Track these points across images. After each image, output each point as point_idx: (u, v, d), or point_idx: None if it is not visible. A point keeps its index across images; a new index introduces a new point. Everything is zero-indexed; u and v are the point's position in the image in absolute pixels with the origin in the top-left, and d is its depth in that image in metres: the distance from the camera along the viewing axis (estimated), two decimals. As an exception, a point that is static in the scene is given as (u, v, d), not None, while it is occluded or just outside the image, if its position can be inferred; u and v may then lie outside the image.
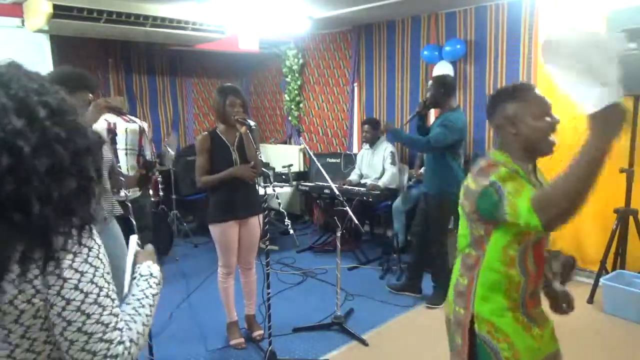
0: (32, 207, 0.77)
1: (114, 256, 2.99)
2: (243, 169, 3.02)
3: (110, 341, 0.88)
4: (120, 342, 0.90)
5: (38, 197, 0.77)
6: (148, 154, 4.49)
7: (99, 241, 0.91)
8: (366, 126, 5.16)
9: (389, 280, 4.40)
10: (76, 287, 0.85)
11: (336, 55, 6.05)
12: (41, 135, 0.77)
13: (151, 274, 1.12)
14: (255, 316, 3.41)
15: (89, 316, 0.86)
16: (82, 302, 0.85)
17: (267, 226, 2.98)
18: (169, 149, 5.19)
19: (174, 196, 5.42)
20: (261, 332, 3.30)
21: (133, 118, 3.40)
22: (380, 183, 4.88)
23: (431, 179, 3.78)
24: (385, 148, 5.06)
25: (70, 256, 0.85)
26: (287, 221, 2.82)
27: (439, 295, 3.86)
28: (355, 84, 5.87)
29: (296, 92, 6.49)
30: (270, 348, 2.92)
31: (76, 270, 0.85)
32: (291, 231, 2.80)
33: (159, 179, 5.03)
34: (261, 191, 2.85)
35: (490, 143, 4.79)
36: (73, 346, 0.85)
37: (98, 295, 0.87)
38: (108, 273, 0.91)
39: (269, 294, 2.90)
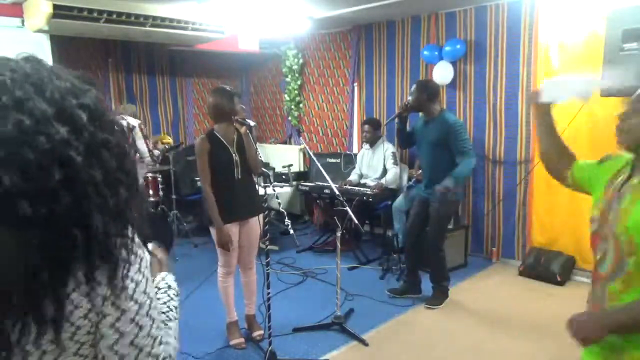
0: (92, 220, 0.70)
1: None
2: (224, 240, 3.03)
3: (157, 356, 0.84)
4: (165, 358, 0.86)
5: (98, 210, 0.70)
6: (144, 151, 4.50)
7: (144, 249, 0.85)
8: (366, 126, 5.17)
9: (388, 280, 4.41)
10: (131, 298, 0.79)
11: (336, 55, 6.05)
12: (88, 141, 0.69)
13: (169, 286, 1.07)
14: (255, 316, 3.41)
15: (141, 328, 0.81)
16: (137, 313, 0.80)
17: (267, 226, 2.98)
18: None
19: (173, 196, 5.42)
20: (261, 332, 3.30)
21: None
22: (384, 181, 4.88)
23: (431, 184, 3.72)
24: (386, 148, 5.06)
25: (127, 266, 0.79)
26: (287, 221, 2.82)
27: (438, 296, 3.86)
28: (355, 84, 5.87)
29: (296, 92, 6.49)
30: (270, 348, 2.92)
31: (131, 280, 0.79)
32: (291, 231, 2.80)
33: (159, 179, 5.03)
34: (261, 191, 2.86)
35: (490, 143, 4.79)
36: None
37: (149, 306, 0.82)
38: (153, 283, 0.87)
39: (269, 294, 2.90)
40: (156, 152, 4.98)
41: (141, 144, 4.68)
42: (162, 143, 5.61)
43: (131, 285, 0.80)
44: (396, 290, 4.05)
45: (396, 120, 3.89)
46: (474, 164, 3.72)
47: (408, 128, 3.99)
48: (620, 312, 1.32)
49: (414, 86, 3.80)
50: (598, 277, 1.46)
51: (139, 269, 0.82)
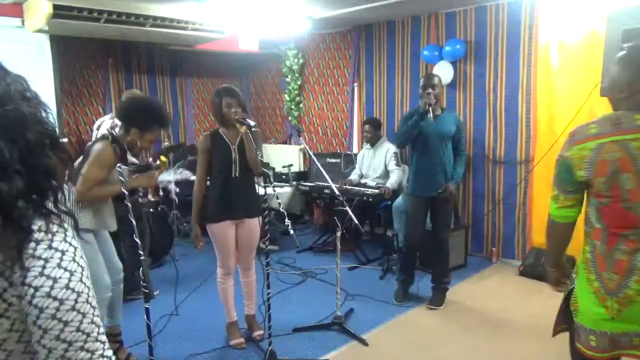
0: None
1: (90, 260, 2.99)
2: (193, 235, 3.14)
3: (93, 352, 0.79)
4: (103, 356, 0.81)
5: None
6: None
7: (75, 243, 0.82)
8: (367, 126, 5.16)
9: (388, 280, 4.40)
10: (48, 295, 0.76)
11: (336, 55, 6.05)
12: None
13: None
14: (255, 316, 3.41)
15: (66, 324, 0.77)
16: (57, 309, 0.76)
17: (267, 226, 2.98)
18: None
19: (174, 196, 5.42)
20: (261, 332, 3.30)
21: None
22: (389, 184, 4.84)
23: (444, 179, 3.69)
24: (388, 149, 5.05)
25: (40, 262, 0.76)
26: (287, 221, 2.81)
27: (440, 295, 3.84)
28: (355, 84, 5.87)
29: (296, 92, 6.49)
30: (270, 348, 2.92)
31: (48, 277, 0.76)
32: (291, 231, 2.79)
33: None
34: (261, 191, 2.85)
35: (490, 143, 4.79)
36: (51, 354, 0.77)
37: (76, 301, 0.78)
38: (88, 277, 0.81)
39: (269, 294, 2.90)
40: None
41: None
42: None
43: (48, 283, 0.76)
44: (402, 297, 3.96)
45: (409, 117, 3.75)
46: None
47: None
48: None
49: (435, 78, 3.64)
50: None
51: (59, 265, 0.78)
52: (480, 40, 4.73)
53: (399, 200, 4.88)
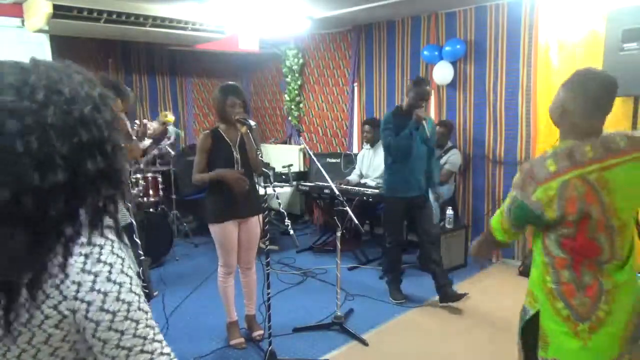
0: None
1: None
2: (235, 178, 2.97)
3: (152, 352, 0.83)
4: (162, 354, 0.85)
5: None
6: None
7: (122, 254, 0.84)
8: (367, 126, 5.16)
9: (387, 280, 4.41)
10: (101, 309, 0.79)
11: (336, 55, 6.05)
12: (34, 116, 0.70)
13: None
14: (255, 316, 3.41)
15: (123, 333, 0.81)
16: (112, 321, 0.80)
17: (267, 226, 2.98)
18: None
19: (174, 196, 5.42)
20: (261, 332, 3.30)
21: None
22: None
23: (423, 180, 3.84)
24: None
25: (91, 277, 0.79)
26: (287, 221, 2.81)
27: (453, 291, 3.83)
28: (355, 84, 5.87)
29: (296, 92, 6.49)
30: (270, 348, 2.92)
31: (99, 292, 0.79)
32: (291, 231, 2.79)
33: (159, 179, 5.02)
34: (261, 191, 2.85)
35: (490, 143, 4.79)
36: None
37: (128, 311, 0.81)
38: (137, 285, 0.84)
39: (269, 294, 2.90)
40: (146, 143, 4.66)
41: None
42: (164, 123, 5.19)
43: (99, 297, 0.79)
44: (400, 297, 3.95)
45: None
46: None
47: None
48: (482, 235, 1.92)
49: (428, 88, 3.70)
50: None
51: (108, 277, 0.80)
52: (480, 40, 4.73)
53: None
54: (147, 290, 2.12)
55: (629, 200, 1.57)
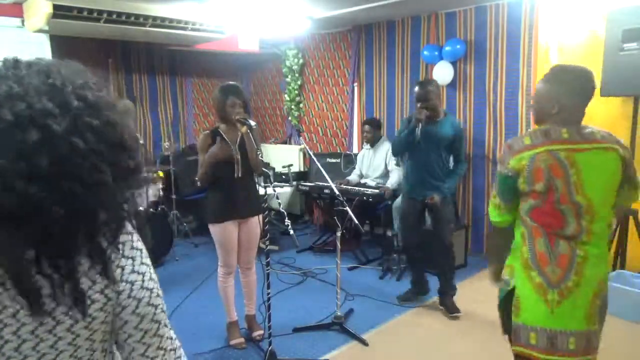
0: (76, 192, 0.74)
1: None
2: (221, 147, 2.98)
3: (167, 325, 0.96)
4: (171, 328, 0.98)
5: (81, 180, 0.75)
6: None
7: (140, 245, 0.94)
8: (367, 126, 5.16)
9: (388, 280, 4.41)
10: (142, 287, 0.90)
11: (336, 55, 6.05)
12: (72, 120, 0.75)
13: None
14: (255, 316, 3.41)
15: (156, 307, 0.93)
16: (150, 297, 0.91)
17: (267, 226, 2.98)
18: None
19: (174, 196, 5.42)
20: (261, 332, 3.30)
21: None
22: (389, 184, 4.84)
23: (432, 185, 3.64)
24: (388, 149, 5.05)
25: (130, 261, 0.89)
26: (287, 221, 2.81)
27: (452, 303, 3.74)
28: (355, 84, 5.87)
29: (296, 92, 6.49)
30: (270, 348, 2.92)
31: (138, 273, 0.90)
32: (291, 231, 2.79)
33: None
34: (261, 191, 2.86)
35: (490, 143, 4.79)
36: (146, 334, 0.92)
37: (158, 289, 0.94)
38: (154, 272, 0.95)
39: (269, 294, 2.90)
40: None
41: None
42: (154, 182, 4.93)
43: (139, 277, 0.90)
44: (406, 296, 3.93)
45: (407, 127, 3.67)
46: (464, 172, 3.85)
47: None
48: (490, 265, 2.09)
49: (428, 87, 3.53)
50: None
51: (142, 262, 0.92)
52: (480, 40, 4.73)
53: (399, 200, 4.88)
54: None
55: (595, 183, 1.72)
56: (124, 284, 0.88)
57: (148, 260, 0.93)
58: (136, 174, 0.86)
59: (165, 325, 0.95)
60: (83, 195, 0.75)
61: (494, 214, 1.89)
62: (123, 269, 0.88)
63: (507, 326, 1.91)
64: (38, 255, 0.76)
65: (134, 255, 0.90)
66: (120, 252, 0.88)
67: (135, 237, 0.92)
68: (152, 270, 0.93)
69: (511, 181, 1.77)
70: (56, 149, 0.73)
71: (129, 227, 0.90)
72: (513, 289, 1.82)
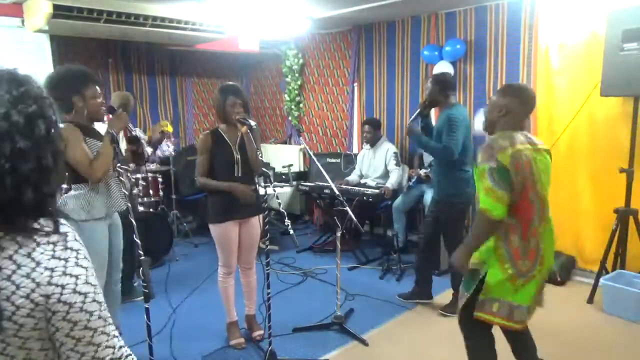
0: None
1: (115, 246, 2.98)
2: (243, 191, 3.01)
3: (108, 334, 0.90)
4: (116, 336, 0.92)
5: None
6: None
7: (81, 242, 0.90)
8: (367, 126, 5.16)
9: (388, 280, 4.41)
10: (74, 291, 0.85)
11: (336, 55, 6.05)
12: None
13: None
14: (255, 316, 3.41)
15: (91, 314, 0.87)
16: (83, 302, 0.86)
17: (267, 226, 2.98)
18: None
19: (174, 196, 5.42)
20: (261, 332, 3.30)
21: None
22: (389, 185, 4.85)
23: (438, 184, 3.64)
24: (388, 149, 5.05)
25: (61, 262, 0.84)
26: (287, 221, 2.81)
27: (455, 303, 3.73)
28: (355, 84, 5.87)
29: (296, 92, 6.49)
30: (270, 348, 2.92)
31: (70, 275, 0.84)
32: (291, 231, 2.78)
33: (159, 179, 5.03)
34: (261, 191, 2.86)
35: (490, 143, 4.78)
36: (80, 343, 0.86)
37: (95, 293, 0.88)
38: (93, 273, 0.90)
39: (269, 294, 2.90)
40: (148, 150, 4.64)
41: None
42: (161, 132, 5.13)
43: (71, 280, 0.85)
44: (406, 294, 3.91)
45: (418, 118, 3.73)
46: (440, 158, 3.58)
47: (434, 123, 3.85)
48: (465, 240, 2.26)
49: (429, 81, 3.67)
50: None
51: (76, 263, 0.87)
52: (480, 40, 4.73)
53: (399, 200, 4.89)
54: (147, 291, 2.12)
55: (544, 178, 2.16)
56: (52, 287, 0.82)
57: (85, 262, 0.88)
58: (54, 172, 0.86)
59: (105, 333, 0.88)
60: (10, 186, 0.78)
61: (498, 206, 2.02)
62: (52, 270, 0.83)
63: (469, 303, 2.24)
64: None
65: (67, 257, 0.85)
66: (50, 252, 0.84)
67: (71, 236, 0.88)
68: (89, 273, 0.87)
69: (507, 173, 2.02)
70: None
71: (63, 226, 0.88)
72: (482, 278, 2.16)
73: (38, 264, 0.82)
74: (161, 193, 5.06)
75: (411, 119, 3.73)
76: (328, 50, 6.13)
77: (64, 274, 0.84)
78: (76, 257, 0.87)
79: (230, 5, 4.49)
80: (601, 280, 3.65)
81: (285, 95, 6.60)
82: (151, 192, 4.92)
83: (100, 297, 0.89)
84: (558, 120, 4.19)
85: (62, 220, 0.89)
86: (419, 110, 3.71)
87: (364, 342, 3.25)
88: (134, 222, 2.16)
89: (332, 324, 3.44)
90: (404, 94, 5.43)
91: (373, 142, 5.15)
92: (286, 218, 2.82)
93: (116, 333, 0.92)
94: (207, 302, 3.86)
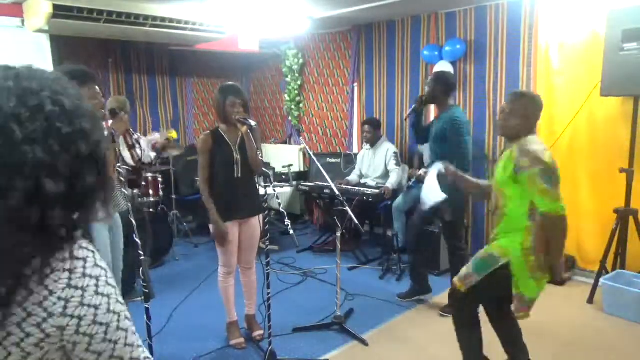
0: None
1: (115, 245, 2.99)
2: (220, 232, 3.03)
3: (138, 357, 0.88)
4: (147, 358, 0.90)
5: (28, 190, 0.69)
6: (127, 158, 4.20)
7: (104, 265, 0.85)
8: (366, 126, 5.16)
9: (388, 280, 4.41)
10: (94, 322, 0.80)
11: (336, 55, 6.05)
12: (41, 127, 0.71)
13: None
14: (255, 316, 3.41)
15: (116, 342, 0.83)
16: (106, 332, 0.81)
17: (267, 226, 2.98)
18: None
19: (174, 196, 5.42)
20: (261, 332, 3.30)
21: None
22: (389, 185, 4.84)
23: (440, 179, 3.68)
24: (388, 149, 5.05)
25: (79, 292, 0.78)
26: (287, 221, 2.81)
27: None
28: (355, 84, 5.87)
29: (296, 92, 6.49)
30: (270, 348, 2.92)
31: (89, 306, 0.79)
32: (291, 231, 2.78)
33: (159, 179, 5.02)
34: (261, 191, 2.86)
35: (490, 143, 4.79)
36: None
37: (118, 321, 0.83)
38: (119, 294, 0.85)
39: (269, 294, 2.90)
40: (151, 155, 4.67)
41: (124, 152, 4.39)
42: (167, 139, 5.03)
43: (90, 311, 0.79)
44: (406, 294, 3.92)
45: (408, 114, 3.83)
46: (459, 164, 3.41)
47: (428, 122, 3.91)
48: (552, 253, 2.34)
49: (429, 78, 3.72)
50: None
51: (96, 291, 0.81)
52: (480, 40, 4.73)
53: (399, 200, 4.88)
54: (147, 291, 2.12)
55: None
56: (67, 318, 0.77)
57: (108, 289, 0.81)
58: (102, 189, 0.80)
59: (133, 359, 0.86)
60: (36, 209, 0.70)
61: (559, 205, 2.18)
62: (68, 301, 0.77)
63: (484, 288, 2.44)
64: None
65: (85, 285, 0.79)
66: (66, 281, 0.77)
67: (91, 262, 0.81)
68: (111, 300, 0.82)
69: (554, 173, 2.19)
70: (11, 155, 0.68)
71: (81, 251, 0.81)
72: (501, 267, 2.33)
73: (51, 292, 0.76)
74: (161, 193, 5.05)
75: (408, 114, 3.82)
76: (328, 50, 6.13)
77: (81, 304, 0.78)
78: (96, 285, 0.80)
79: (230, 5, 4.49)
80: (601, 280, 3.65)
81: (285, 95, 6.60)
82: (151, 192, 4.91)
83: (126, 323, 0.84)
84: (558, 120, 4.19)
85: (83, 243, 0.82)
86: (414, 106, 3.77)
87: (364, 342, 3.25)
88: (134, 222, 2.16)
89: (332, 324, 3.44)
90: (404, 94, 5.43)
91: (373, 142, 5.15)
92: (286, 218, 2.82)
93: (145, 350, 0.90)
94: (207, 302, 3.86)
